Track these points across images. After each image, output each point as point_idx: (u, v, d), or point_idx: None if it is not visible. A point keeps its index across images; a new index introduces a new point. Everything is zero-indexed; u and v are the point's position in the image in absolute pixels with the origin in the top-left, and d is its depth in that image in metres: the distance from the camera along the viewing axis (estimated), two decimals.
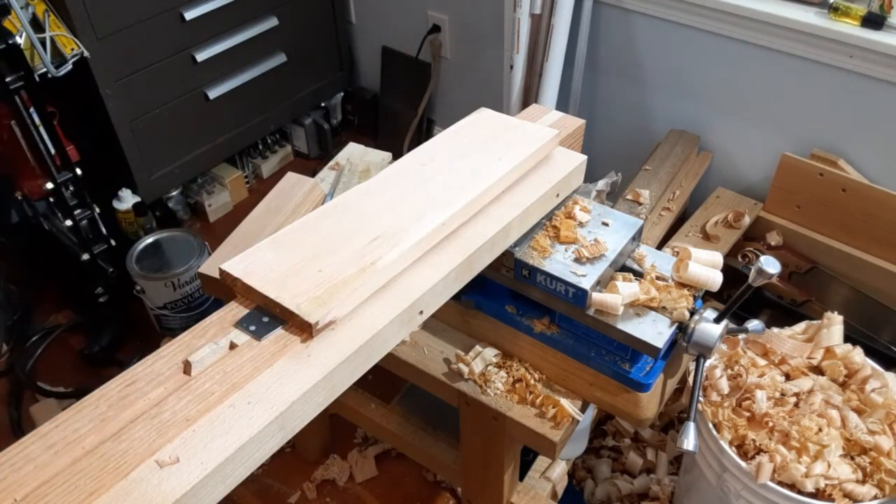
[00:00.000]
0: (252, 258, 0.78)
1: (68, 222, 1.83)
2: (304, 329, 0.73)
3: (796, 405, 1.20)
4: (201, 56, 2.07)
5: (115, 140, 1.95)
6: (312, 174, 1.34)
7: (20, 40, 1.57)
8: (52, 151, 1.70)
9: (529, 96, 1.98)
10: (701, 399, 1.22)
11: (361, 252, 0.79)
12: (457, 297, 0.92)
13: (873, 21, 1.48)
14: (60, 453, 0.60)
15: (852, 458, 1.14)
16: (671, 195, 1.73)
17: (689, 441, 0.95)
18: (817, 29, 1.53)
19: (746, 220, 1.70)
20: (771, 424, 1.17)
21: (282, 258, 0.78)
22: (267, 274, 0.76)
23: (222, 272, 0.77)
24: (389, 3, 2.41)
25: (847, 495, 1.10)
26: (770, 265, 0.87)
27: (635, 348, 0.96)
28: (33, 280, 2.12)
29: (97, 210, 1.86)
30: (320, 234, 0.82)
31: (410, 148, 2.49)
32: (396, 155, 1.46)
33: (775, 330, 1.30)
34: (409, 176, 0.92)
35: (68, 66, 1.71)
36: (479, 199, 0.89)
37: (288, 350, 0.71)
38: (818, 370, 1.26)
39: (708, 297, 1.09)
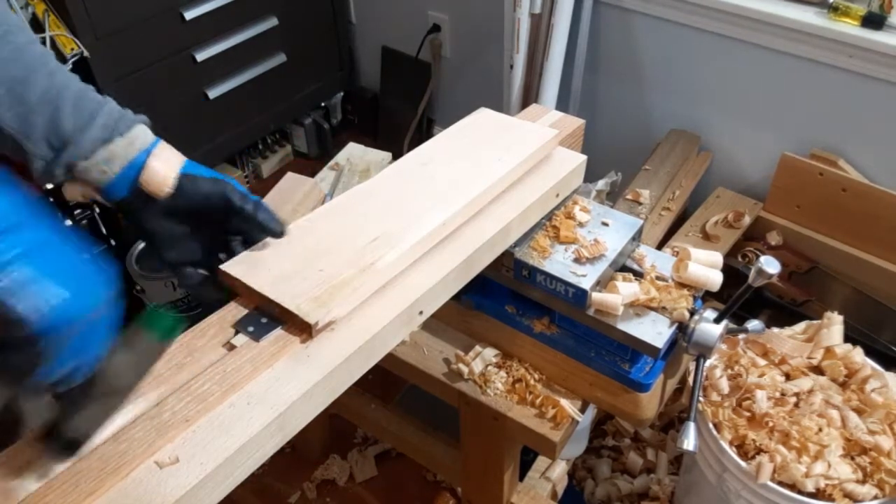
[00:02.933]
0: (251, 258, 0.78)
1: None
2: (303, 329, 0.73)
3: (796, 405, 1.20)
4: (201, 56, 2.07)
5: None
6: (312, 174, 1.34)
7: None
8: None
9: (529, 96, 1.98)
10: (701, 399, 1.22)
11: (361, 252, 0.79)
12: (457, 297, 0.92)
13: (873, 21, 1.48)
14: None
15: (852, 458, 1.14)
16: (671, 195, 1.73)
17: (689, 441, 0.95)
18: (817, 29, 1.53)
19: (746, 220, 1.70)
20: (771, 424, 1.17)
21: (281, 258, 0.78)
22: (266, 274, 0.76)
23: (222, 272, 0.77)
24: (389, 3, 2.41)
25: (847, 495, 1.10)
26: (770, 265, 0.87)
27: (635, 348, 0.96)
28: None
29: (97, 210, 1.86)
30: (320, 234, 0.82)
31: (410, 148, 2.48)
32: (396, 155, 1.45)
33: (775, 330, 1.30)
34: (409, 176, 0.92)
35: (68, 66, 1.71)
36: (479, 199, 0.89)
37: (287, 350, 0.71)
38: (818, 370, 1.26)
39: (708, 297, 1.09)
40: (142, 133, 0.68)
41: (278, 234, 0.75)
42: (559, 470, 1.39)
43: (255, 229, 0.74)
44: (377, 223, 0.83)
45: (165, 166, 0.68)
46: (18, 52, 0.62)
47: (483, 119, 1.04)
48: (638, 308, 0.97)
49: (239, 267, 0.76)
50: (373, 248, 0.79)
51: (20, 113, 0.60)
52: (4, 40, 0.61)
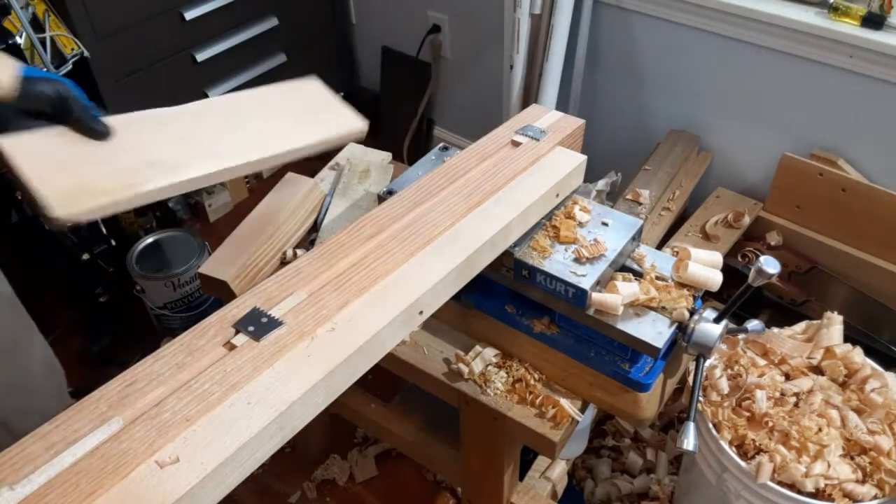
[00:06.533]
0: (45, 142, 0.80)
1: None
2: (303, 330, 0.73)
3: (796, 405, 1.20)
4: (201, 56, 2.07)
5: None
6: (312, 174, 1.34)
7: (20, 40, 1.58)
8: None
9: (529, 96, 1.98)
10: (701, 399, 1.22)
11: (135, 171, 0.81)
12: (457, 297, 0.92)
13: (873, 21, 1.48)
14: (60, 453, 0.61)
15: (852, 458, 1.14)
16: (671, 195, 1.73)
17: (689, 441, 0.95)
18: (817, 29, 1.53)
19: (746, 220, 1.70)
20: (771, 424, 1.17)
21: (72, 152, 0.81)
22: (41, 159, 0.78)
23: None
24: (389, 3, 2.41)
25: (847, 495, 1.10)
26: (770, 265, 0.87)
27: (635, 348, 0.96)
28: (33, 280, 2.11)
29: None
30: (117, 142, 0.84)
31: (411, 148, 2.49)
32: (396, 155, 1.46)
33: (775, 330, 1.30)
34: (220, 115, 0.93)
35: (68, 66, 1.71)
36: (256, 164, 0.89)
37: (288, 350, 0.71)
38: (818, 370, 1.26)
39: (708, 297, 1.10)
40: None
41: (99, 136, 0.82)
42: (559, 470, 1.40)
43: (82, 128, 0.82)
44: (169, 149, 0.85)
45: (5, 72, 0.76)
46: None
47: (309, 88, 1.03)
48: (638, 308, 0.97)
49: (13, 142, 0.78)
50: (146, 171, 0.81)
51: None
52: None
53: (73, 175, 0.78)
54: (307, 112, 0.98)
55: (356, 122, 0.99)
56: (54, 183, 0.75)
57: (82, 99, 0.81)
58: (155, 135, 0.86)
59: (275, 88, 1.00)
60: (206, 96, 2.13)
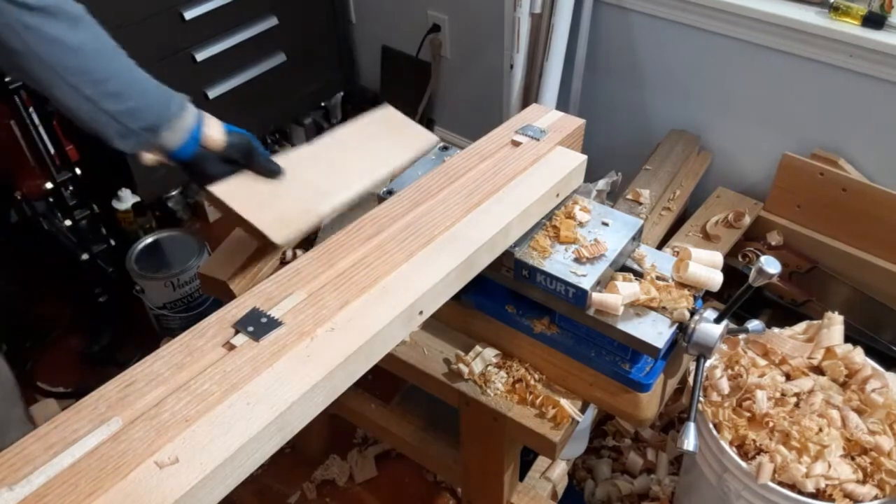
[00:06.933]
0: (238, 185, 0.96)
1: (68, 222, 1.83)
2: (303, 330, 0.73)
3: (797, 405, 1.20)
4: (201, 56, 2.07)
5: None
6: None
7: None
8: (52, 151, 1.71)
9: (529, 96, 1.98)
10: (701, 399, 1.22)
11: (308, 200, 0.98)
12: (457, 297, 0.92)
13: (874, 20, 1.48)
14: (59, 454, 0.60)
15: (853, 459, 1.14)
16: (671, 195, 1.73)
17: (690, 441, 0.95)
18: (818, 28, 1.53)
19: (747, 220, 1.70)
20: (771, 424, 1.17)
21: (262, 189, 0.97)
22: (245, 199, 0.94)
23: (207, 192, 0.94)
24: (389, 2, 2.41)
25: (847, 495, 1.10)
26: (770, 265, 0.87)
27: (635, 348, 0.96)
28: (33, 280, 2.11)
29: (96, 210, 1.86)
30: (288, 180, 0.99)
31: None
32: None
33: (776, 330, 1.30)
34: (343, 149, 1.08)
35: None
36: (375, 185, 1.06)
37: (287, 350, 0.71)
38: (819, 370, 1.26)
39: (708, 297, 1.09)
40: (192, 108, 0.93)
41: (276, 176, 0.99)
42: (559, 470, 1.39)
43: (263, 171, 0.99)
44: (325, 179, 1.02)
45: (216, 128, 0.94)
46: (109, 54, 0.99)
47: (388, 116, 1.18)
48: (638, 308, 0.97)
49: (223, 189, 0.95)
50: (316, 198, 0.99)
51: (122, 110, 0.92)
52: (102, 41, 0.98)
53: (271, 209, 0.95)
54: (394, 135, 1.14)
55: (431, 137, 1.15)
56: (263, 217, 0.93)
57: (260, 147, 0.98)
58: (310, 169, 1.02)
59: (366, 121, 1.15)
60: (205, 96, 2.13)
